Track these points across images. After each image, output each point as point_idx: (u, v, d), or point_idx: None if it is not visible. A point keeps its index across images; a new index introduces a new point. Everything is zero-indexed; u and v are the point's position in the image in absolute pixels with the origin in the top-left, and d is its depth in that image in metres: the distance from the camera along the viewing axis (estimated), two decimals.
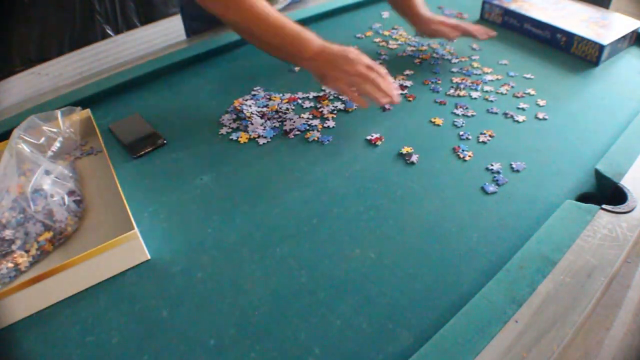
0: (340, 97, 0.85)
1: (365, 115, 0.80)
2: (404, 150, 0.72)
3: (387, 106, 0.82)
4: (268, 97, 0.85)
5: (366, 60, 0.74)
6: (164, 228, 0.61)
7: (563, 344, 0.42)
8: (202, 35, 1.07)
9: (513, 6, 1.06)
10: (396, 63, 0.95)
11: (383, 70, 0.74)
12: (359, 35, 1.07)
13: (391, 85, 0.73)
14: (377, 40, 1.05)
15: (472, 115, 0.79)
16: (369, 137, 0.75)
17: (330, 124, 0.78)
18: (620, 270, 0.50)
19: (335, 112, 0.81)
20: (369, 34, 1.08)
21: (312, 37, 0.75)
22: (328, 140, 0.74)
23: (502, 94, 0.85)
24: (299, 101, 0.84)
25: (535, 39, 1.02)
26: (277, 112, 0.81)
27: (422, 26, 0.95)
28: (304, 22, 1.10)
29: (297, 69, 0.94)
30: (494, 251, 0.55)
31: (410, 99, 0.84)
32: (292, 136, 0.76)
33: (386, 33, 1.08)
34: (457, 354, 0.42)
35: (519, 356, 0.42)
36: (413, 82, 0.89)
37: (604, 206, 0.57)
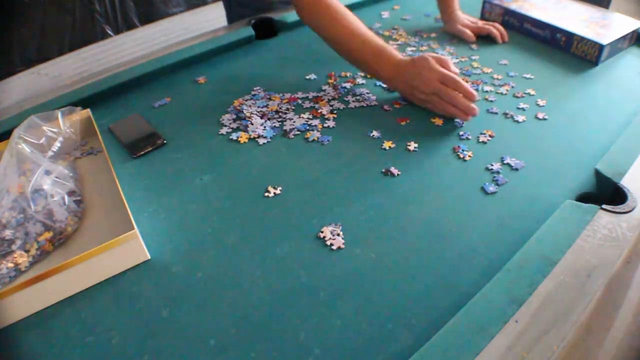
0: (338, 98, 0.85)
1: (365, 116, 0.80)
2: (404, 150, 0.72)
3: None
4: (268, 97, 0.85)
5: (439, 71, 0.74)
6: (164, 228, 0.61)
7: (563, 344, 0.42)
8: (206, 34, 1.07)
9: (513, 6, 1.06)
10: None
11: (457, 79, 0.73)
12: None
13: (467, 99, 0.73)
14: None
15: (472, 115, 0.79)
16: (369, 138, 0.75)
17: (330, 124, 0.78)
18: (620, 270, 0.50)
19: (335, 112, 0.81)
20: None
21: (390, 55, 0.78)
22: (328, 140, 0.74)
23: (502, 94, 0.85)
24: (299, 101, 0.84)
25: (535, 38, 1.02)
26: (277, 112, 0.81)
27: (449, 24, 1.06)
28: (303, 22, 1.11)
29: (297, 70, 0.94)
30: (494, 251, 0.55)
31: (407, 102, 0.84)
32: (292, 136, 0.76)
33: (386, 33, 1.08)
34: (457, 354, 0.42)
35: (519, 356, 0.42)
36: None
37: (604, 206, 0.57)
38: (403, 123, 0.78)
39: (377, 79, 0.86)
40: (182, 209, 0.64)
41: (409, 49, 1.01)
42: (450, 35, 1.06)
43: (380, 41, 0.80)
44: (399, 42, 1.04)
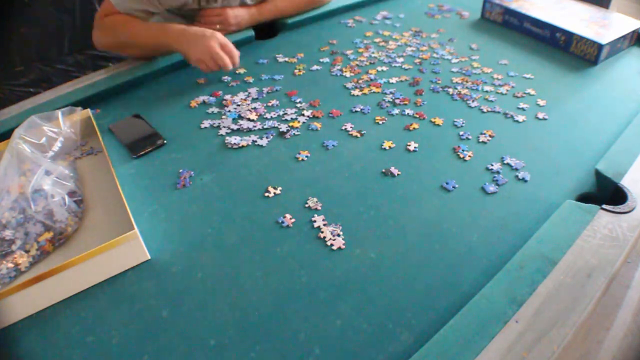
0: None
1: (365, 116, 0.80)
2: (404, 150, 0.72)
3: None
4: (268, 97, 0.85)
5: (220, 38, 0.87)
6: (164, 228, 0.61)
7: (563, 344, 0.42)
8: None
9: (514, 5, 1.06)
10: (396, 63, 0.95)
11: (232, 47, 0.88)
12: (358, 36, 1.07)
13: (234, 60, 0.88)
14: (377, 40, 1.05)
15: (472, 115, 0.79)
16: (369, 138, 0.75)
17: (331, 124, 0.78)
18: (620, 270, 0.50)
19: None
20: (369, 34, 1.08)
21: (173, 26, 0.90)
22: (329, 141, 0.74)
23: (502, 94, 0.85)
24: (299, 102, 0.84)
25: (535, 38, 1.02)
26: (276, 112, 0.81)
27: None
28: (303, 22, 1.11)
29: (296, 71, 0.94)
30: (494, 251, 0.55)
31: (407, 102, 0.84)
32: (291, 137, 0.76)
33: (386, 33, 1.08)
34: (457, 354, 0.42)
35: (519, 356, 0.42)
36: (413, 82, 0.89)
37: (604, 206, 0.57)
38: (403, 123, 0.78)
39: (168, 49, 0.92)
40: (182, 209, 0.64)
41: (408, 49, 1.01)
42: (450, 35, 1.06)
43: (161, 24, 0.93)
44: (399, 43, 1.03)
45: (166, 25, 0.90)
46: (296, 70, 0.94)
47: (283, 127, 0.78)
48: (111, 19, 0.94)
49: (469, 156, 0.70)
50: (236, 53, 0.88)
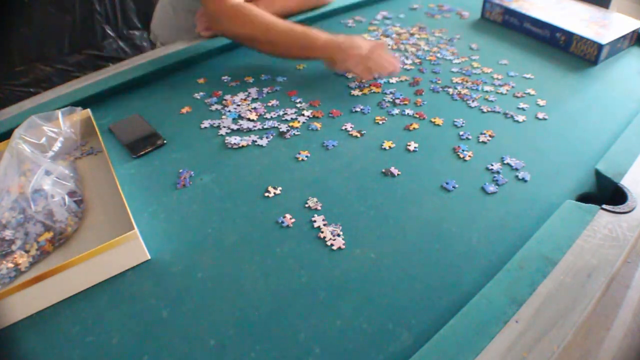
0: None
1: (365, 116, 0.80)
2: (404, 150, 0.72)
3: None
4: (268, 97, 0.85)
5: (369, 43, 0.85)
6: (164, 228, 0.61)
7: (563, 344, 0.42)
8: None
9: (514, 5, 1.06)
10: None
11: (385, 45, 0.86)
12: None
13: (392, 59, 0.86)
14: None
15: (472, 115, 0.79)
16: (368, 137, 0.75)
17: (331, 124, 0.78)
18: (620, 270, 0.50)
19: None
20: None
21: (318, 31, 0.87)
22: (329, 141, 0.74)
23: (502, 94, 0.85)
24: (299, 102, 0.84)
25: (535, 38, 1.02)
26: (276, 112, 0.81)
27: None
28: (303, 23, 1.11)
29: (296, 71, 0.94)
30: (494, 251, 0.55)
31: (407, 102, 0.84)
32: (291, 137, 0.76)
33: (393, 29, 1.08)
34: (457, 354, 0.42)
35: (519, 356, 0.42)
36: (413, 82, 0.89)
37: (604, 206, 0.57)
38: (403, 123, 0.78)
39: (305, 55, 0.89)
40: (182, 209, 0.64)
41: (409, 49, 1.01)
42: (450, 35, 1.06)
43: (301, 26, 0.88)
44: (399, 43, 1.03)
45: (309, 30, 0.86)
46: (296, 70, 0.94)
47: (283, 127, 0.78)
48: (246, 7, 0.88)
49: (469, 156, 0.70)
50: (395, 57, 0.89)
